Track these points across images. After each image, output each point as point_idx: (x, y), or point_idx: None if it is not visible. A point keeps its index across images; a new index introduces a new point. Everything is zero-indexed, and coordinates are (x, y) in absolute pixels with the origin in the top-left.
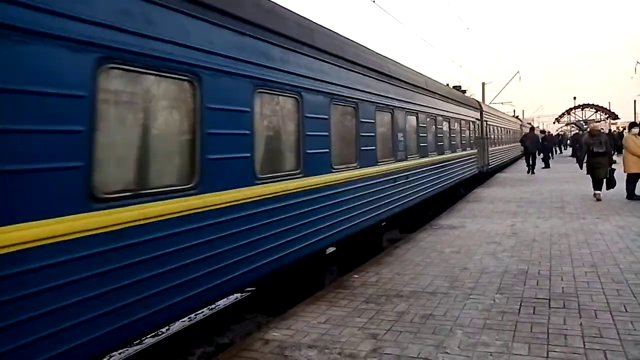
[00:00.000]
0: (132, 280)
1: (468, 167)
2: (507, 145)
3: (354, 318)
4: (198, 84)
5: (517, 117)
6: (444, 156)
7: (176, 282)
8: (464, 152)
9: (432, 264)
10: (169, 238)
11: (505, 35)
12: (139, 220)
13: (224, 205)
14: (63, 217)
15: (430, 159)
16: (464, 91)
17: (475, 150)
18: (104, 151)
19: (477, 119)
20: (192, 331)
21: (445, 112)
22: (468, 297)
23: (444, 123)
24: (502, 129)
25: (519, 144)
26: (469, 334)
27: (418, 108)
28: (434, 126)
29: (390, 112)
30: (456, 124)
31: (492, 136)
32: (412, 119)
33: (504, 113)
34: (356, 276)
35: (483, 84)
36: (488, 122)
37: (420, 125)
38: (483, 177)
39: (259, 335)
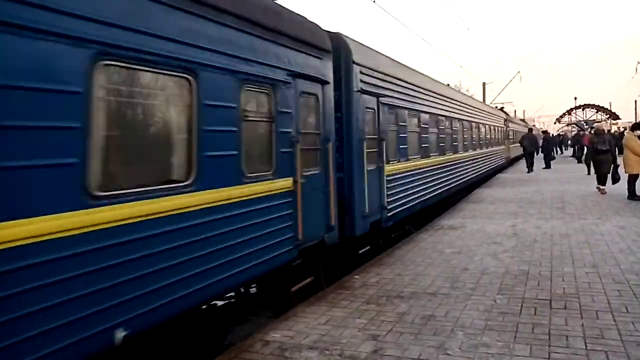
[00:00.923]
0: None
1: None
2: (466, 155)
3: (354, 319)
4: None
5: (502, 109)
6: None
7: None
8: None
9: (432, 264)
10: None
11: (506, 36)
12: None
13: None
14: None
15: None
16: None
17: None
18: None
19: (317, 79)
20: (192, 332)
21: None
22: (469, 298)
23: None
24: (448, 119)
25: (497, 151)
26: (470, 335)
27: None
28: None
29: None
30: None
31: (402, 136)
32: None
33: (456, 90)
34: (357, 277)
35: (484, 84)
36: (384, 100)
37: None
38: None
39: (259, 337)
